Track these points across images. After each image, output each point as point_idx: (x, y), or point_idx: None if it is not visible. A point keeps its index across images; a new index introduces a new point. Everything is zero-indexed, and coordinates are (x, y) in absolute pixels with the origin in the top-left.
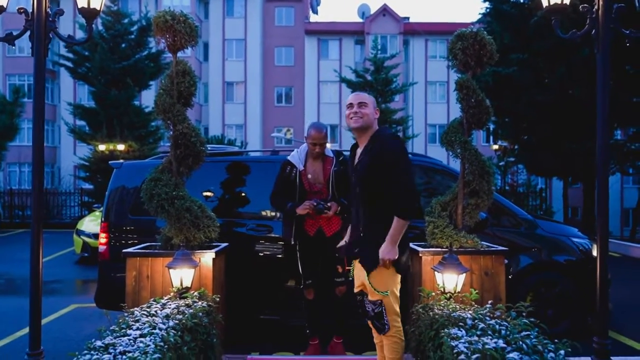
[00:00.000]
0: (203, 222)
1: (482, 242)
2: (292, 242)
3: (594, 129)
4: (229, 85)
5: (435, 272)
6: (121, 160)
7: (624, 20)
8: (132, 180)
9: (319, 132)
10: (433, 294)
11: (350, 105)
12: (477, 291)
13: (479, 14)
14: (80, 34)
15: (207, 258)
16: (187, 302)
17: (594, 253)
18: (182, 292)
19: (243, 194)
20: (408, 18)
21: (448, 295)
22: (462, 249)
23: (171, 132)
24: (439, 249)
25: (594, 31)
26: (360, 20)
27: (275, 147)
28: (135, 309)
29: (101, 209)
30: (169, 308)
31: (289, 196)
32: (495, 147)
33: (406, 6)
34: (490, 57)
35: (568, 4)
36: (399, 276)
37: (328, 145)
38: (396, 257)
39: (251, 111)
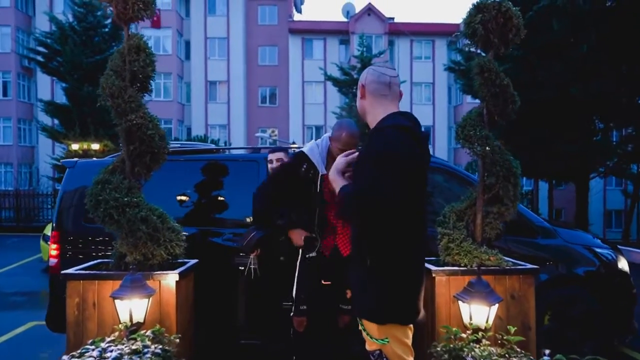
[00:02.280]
0: (164, 236)
1: (507, 259)
2: (314, 255)
3: (589, 129)
4: (212, 84)
5: (460, 302)
6: (75, 159)
7: None
8: (88, 182)
9: (352, 136)
10: (462, 334)
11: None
12: (515, 329)
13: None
14: (51, 27)
15: (168, 281)
16: (135, 348)
17: (620, 265)
18: (132, 330)
19: (219, 198)
20: (393, 18)
21: (477, 333)
22: (484, 267)
23: (122, 123)
24: (456, 268)
25: None
26: (345, 19)
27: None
28: (64, 356)
29: None
30: (110, 356)
31: (296, 202)
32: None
33: (391, 6)
34: (516, 32)
35: None
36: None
37: None
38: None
39: (235, 111)
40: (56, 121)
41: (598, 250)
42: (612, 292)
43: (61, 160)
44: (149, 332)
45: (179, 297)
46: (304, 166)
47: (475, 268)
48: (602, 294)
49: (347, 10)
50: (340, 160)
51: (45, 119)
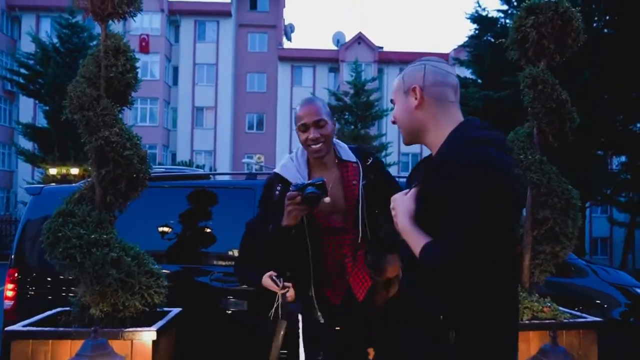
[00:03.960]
0: (140, 282)
1: (563, 309)
2: (322, 321)
3: (588, 157)
4: (199, 110)
5: None
6: (39, 185)
7: None
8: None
9: (310, 105)
10: None
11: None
12: None
13: (466, 36)
14: (33, 47)
15: (143, 340)
16: None
17: None
18: None
19: (207, 230)
20: (382, 47)
21: None
22: (536, 320)
23: (93, 141)
24: None
25: None
26: (335, 47)
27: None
28: None
29: None
30: None
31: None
32: None
33: (381, 35)
34: (576, 37)
35: None
36: None
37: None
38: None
39: (221, 137)
40: (37, 145)
41: (638, 290)
42: None
43: (25, 187)
44: None
45: None
46: (278, 189)
47: (527, 322)
48: None
49: (338, 39)
50: (405, 199)
51: (26, 144)
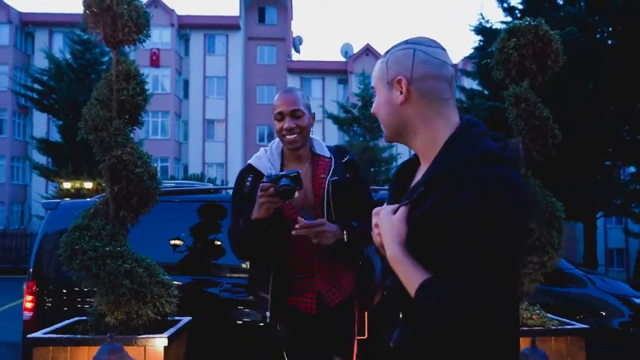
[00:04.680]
0: (152, 292)
1: (551, 316)
2: (268, 320)
3: (596, 167)
4: (210, 123)
5: None
6: (56, 200)
7: None
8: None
9: (288, 95)
10: None
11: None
12: None
13: (472, 48)
14: (47, 63)
15: (156, 346)
16: None
17: None
18: None
19: (216, 243)
20: None
21: None
22: (526, 327)
23: (106, 160)
24: None
25: None
26: (343, 59)
27: None
28: None
29: None
30: None
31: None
32: None
33: (388, 46)
34: (555, 59)
35: None
36: None
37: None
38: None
39: (232, 150)
40: (50, 159)
41: (637, 300)
42: None
43: (42, 202)
44: None
45: None
46: (249, 180)
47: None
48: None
49: (346, 51)
50: (393, 221)
51: (40, 158)
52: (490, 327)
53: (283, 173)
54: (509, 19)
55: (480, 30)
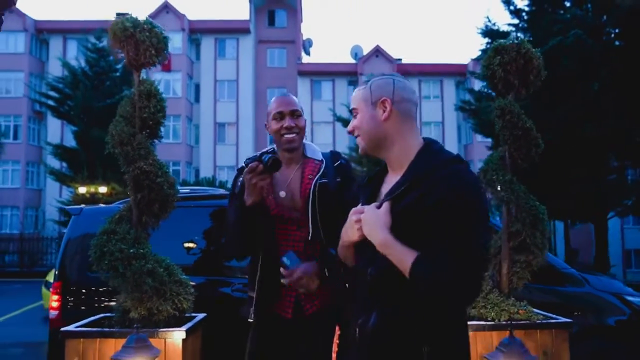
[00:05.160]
0: (171, 290)
1: (537, 311)
2: (251, 319)
3: (603, 167)
4: (221, 126)
5: None
6: (81, 205)
7: None
8: (95, 229)
9: (287, 97)
10: None
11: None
12: None
13: (479, 50)
14: (63, 72)
15: (174, 339)
16: None
17: None
18: None
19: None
20: (401, 59)
21: None
22: (513, 321)
23: (130, 171)
24: (483, 323)
25: None
26: (353, 61)
27: None
28: None
29: None
30: None
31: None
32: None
33: (399, 47)
34: (537, 74)
35: None
36: None
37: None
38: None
39: (243, 152)
40: (64, 164)
41: (630, 298)
42: None
43: (66, 207)
44: None
45: (185, 357)
46: (240, 181)
47: (504, 322)
48: (636, 346)
49: (355, 52)
50: (379, 213)
51: (54, 162)
52: (461, 299)
53: (262, 151)
54: (515, 21)
55: (487, 32)
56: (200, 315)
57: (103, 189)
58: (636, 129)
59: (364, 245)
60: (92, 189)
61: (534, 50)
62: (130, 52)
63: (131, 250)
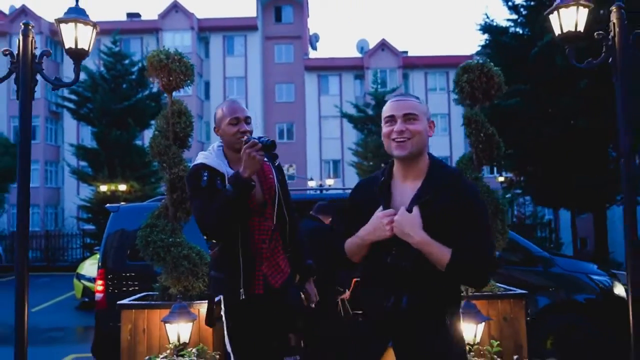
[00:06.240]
0: (202, 270)
1: (499, 285)
2: (243, 297)
3: (603, 159)
4: None
5: None
6: (119, 204)
7: None
8: (130, 224)
9: (240, 104)
10: None
11: (391, 120)
12: (497, 343)
13: (478, 45)
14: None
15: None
16: None
17: (616, 291)
18: (179, 349)
19: None
20: (407, 52)
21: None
22: (478, 293)
23: (167, 176)
24: None
25: (610, 59)
26: (359, 55)
27: None
28: None
29: None
30: None
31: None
32: (501, 179)
33: (404, 40)
34: (498, 89)
35: (582, 31)
36: None
37: (330, 181)
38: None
39: None
40: (81, 163)
41: (595, 277)
42: (609, 318)
43: (106, 206)
44: (194, 350)
45: None
46: (205, 175)
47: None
48: (600, 320)
49: (362, 46)
50: (413, 217)
51: (71, 161)
52: (485, 280)
53: (259, 136)
54: (514, 16)
55: (486, 28)
56: None
57: (123, 187)
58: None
59: (385, 242)
60: (113, 187)
61: (494, 69)
62: (164, 78)
63: (170, 239)
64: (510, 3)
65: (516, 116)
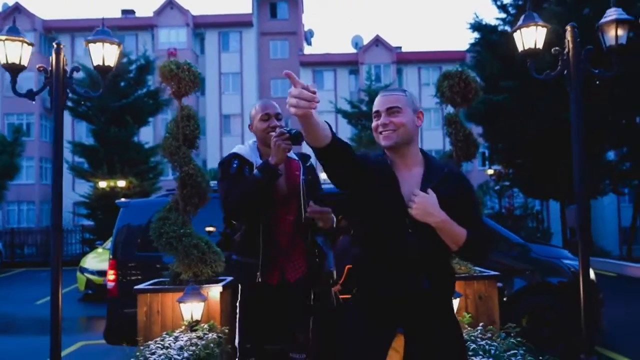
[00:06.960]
0: (210, 258)
1: (475, 268)
2: (259, 280)
3: (587, 151)
4: (226, 118)
5: None
6: (128, 199)
7: (593, 61)
8: (138, 218)
9: (273, 102)
10: None
11: (377, 114)
12: (470, 314)
13: (469, 43)
14: (81, 74)
15: (214, 292)
16: (198, 335)
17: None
18: (192, 325)
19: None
20: (400, 48)
21: None
22: (456, 274)
23: (178, 174)
24: None
25: (565, 71)
26: (354, 50)
27: None
28: (150, 342)
29: (103, 245)
30: (182, 340)
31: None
32: (490, 171)
33: (398, 36)
34: (475, 93)
35: (541, 48)
36: None
37: (324, 175)
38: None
39: None
40: (77, 159)
41: (566, 261)
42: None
43: (117, 201)
44: (205, 325)
45: (222, 304)
46: (235, 163)
47: None
48: (571, 300)
49: (356, 42)
50: (433, 198)
51: (66, 157)
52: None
53: (289, 128)
54: (503, 15)
55: (476, 27)
56: (230, 278)
57: (122, 183)
58: (613, 113)
59: (392, 226)
60: (112, 183)
61: (472, 75)
62: (174, 86)
63: (181, 230)
64: (499, 2)
65: (505, 111)
